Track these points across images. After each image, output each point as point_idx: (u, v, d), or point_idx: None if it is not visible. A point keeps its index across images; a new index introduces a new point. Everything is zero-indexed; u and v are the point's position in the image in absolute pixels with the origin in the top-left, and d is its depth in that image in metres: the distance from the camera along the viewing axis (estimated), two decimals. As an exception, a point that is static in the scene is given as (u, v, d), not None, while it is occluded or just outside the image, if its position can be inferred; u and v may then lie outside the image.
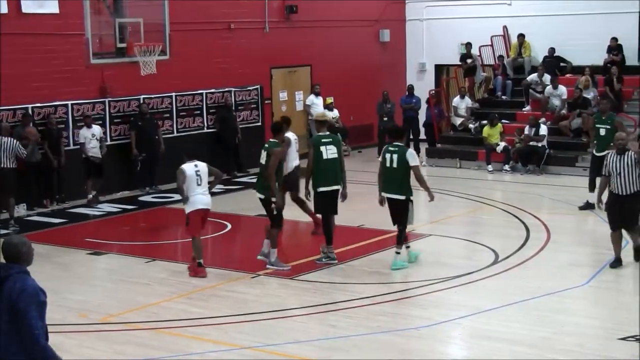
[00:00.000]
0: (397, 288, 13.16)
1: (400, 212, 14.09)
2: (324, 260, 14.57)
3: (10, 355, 6.91)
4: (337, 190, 14.58)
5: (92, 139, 20.03)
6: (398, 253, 14.22)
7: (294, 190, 16.37)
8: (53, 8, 20.32)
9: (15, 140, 17.78)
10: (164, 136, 21.75)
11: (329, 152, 14.50)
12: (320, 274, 13.96)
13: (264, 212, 14.58)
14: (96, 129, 20.23)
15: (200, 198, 14.00)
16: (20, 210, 19.12)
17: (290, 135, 16.06)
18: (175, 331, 11.50)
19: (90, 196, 19.89)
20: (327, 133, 14.85)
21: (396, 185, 14.03)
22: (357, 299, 12.57)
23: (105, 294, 13.24)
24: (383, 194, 14.20)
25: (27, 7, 19.85)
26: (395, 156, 14.00)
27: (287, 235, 16.36)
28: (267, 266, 14.28)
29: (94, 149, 20.05)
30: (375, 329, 11.29)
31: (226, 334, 11.37)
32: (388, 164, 14.06)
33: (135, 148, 21.12)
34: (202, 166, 14.12)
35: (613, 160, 13.72)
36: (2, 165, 17.39)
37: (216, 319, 11.96)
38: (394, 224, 14.33)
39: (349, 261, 14.74)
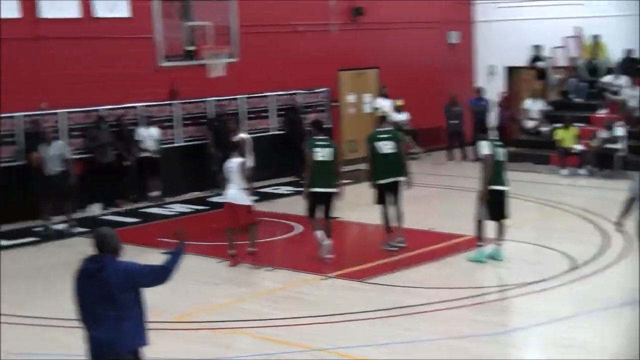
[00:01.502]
0: (470, 293, 12.99)
1: (503, 205, 14.38)
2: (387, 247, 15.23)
3: (118, 337, 7.53)
4: (396, 182, 15.09)
5: (149, 139, 20.25)
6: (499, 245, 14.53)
7: None
8: (124, 12, 20.58)
9: (62, 143, 18.06)
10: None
11: (386, 147, 15.05)
12: (391, 277, 13.87)
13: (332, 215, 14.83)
14: (154, 130, 20.43)
15: (226, 192, 14.74)
16: (95, 209, 19.42)
17: None
18: (246, 331, 11.55)
19: (151, 195, 20.32)
20: (385, 129, 15.43)
21: (503, 177, 14.37)
22: (430, 303, 12.41)
23: (178, 293, 13.29)
24: (492, 187, 14.30)
25: (98, 11, 20.10)
26: (501, 150, 14.47)
27: (356, 238, 16.33)
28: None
29: (150, 149, 20.27)
30: (448, 334, 11.20)
31: (297, 336, 11.38)
32: (498, 158, 14.39)
33: (213, 147, 21.26)
34: (234, 163, 14.69)
35: None
36: (52, 172, 17.56)
37: (286, 320, 11.98)
38: (494, 219, 14.45)
39: (421, 265, 14.65)
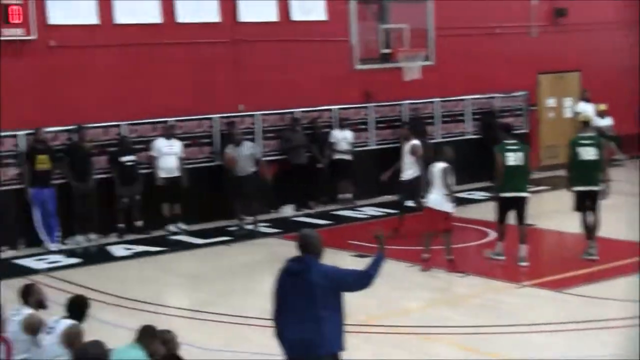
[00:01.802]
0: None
1: None
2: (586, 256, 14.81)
3: (317, 340, 7.61)
4: (593, 190, 14.67)
5: (342, 141, 20.33)
6: None
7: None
8: (320, 15, 20.77)
9: (252, 144, 18.36)
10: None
11: (587, 153, 14.66)
12: (590, 289, 13.37)
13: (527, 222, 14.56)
14: (348, 132, 20.50)
15: (428, 197, 14.70)
16: (288, 211, 19.68)
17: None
18: (437, 337, 11.41)
19: (343, 197, 20.42)
20: (587, 134, 15.07)
21: None
22: (631, 317, 11.69)
23: (367, 295, 13.24)
24: None
25: (295, 15, 20.38)
26: None
27: (554, 246, 15.91)
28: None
29: (343, 151, 20.35)
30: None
31: (489, 344, 11.14)
32: None
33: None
34: (437, 168, 14.58)
35: None
36: (244, 173, 17.87)
37: (478, 327, 11.75)
38: None
39: (622, 276, 14.00)
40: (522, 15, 24.23)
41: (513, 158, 14.65)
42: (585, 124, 15.62)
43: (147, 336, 7.68)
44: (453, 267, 14.47)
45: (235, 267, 15.59)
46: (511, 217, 14.86)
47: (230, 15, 19.56)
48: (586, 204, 14.92)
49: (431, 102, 22.43)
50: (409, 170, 17.34)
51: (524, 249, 14.68)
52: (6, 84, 16.65)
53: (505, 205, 14.74)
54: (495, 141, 22.57)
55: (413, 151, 17.27)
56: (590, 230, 15.01)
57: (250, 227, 18.07)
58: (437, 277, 14.44)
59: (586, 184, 14.75)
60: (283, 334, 7.82)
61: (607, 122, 24.47)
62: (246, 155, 17.95)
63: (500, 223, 14.96)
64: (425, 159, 17.11)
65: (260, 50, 19.82)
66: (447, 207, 14.50)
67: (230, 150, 17.95)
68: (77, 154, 17.18)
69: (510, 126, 16.32)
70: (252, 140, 19.05)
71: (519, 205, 14.62)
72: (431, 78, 21.21)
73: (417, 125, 21.40)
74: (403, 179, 17.42)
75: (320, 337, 7.62)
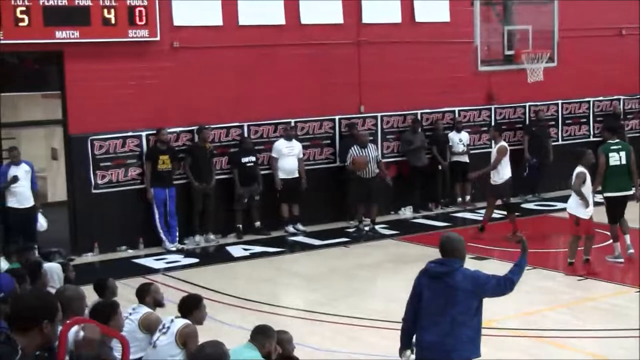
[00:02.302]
0: None
1: None
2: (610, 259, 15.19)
3: (455, 345, 7.61)
4: (626, 196, 15.06)
5: (459, 143, 20.27)
6: None
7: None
8: (444, 16, 20.75)
9: (374, 146, 18.46)
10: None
11: (613, 159, 15.20)
12: None
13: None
14: (464, 134, 20.44)
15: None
16: (406, 212, 19.73)
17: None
18: (555, 341, 11.33)
19: (461, 200, 20.45)
20: (617, 140, 15.68)
21: None
22: None
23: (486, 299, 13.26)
24: None
25: (419, 16, 20.41)
26: None
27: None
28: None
29: (460, 154, 20.32)
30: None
31: (608, 349, 11.07)
32: None
33: (527, 152, 21.15)
34: (574, 172, 14.50)
35: None
36: (369, 175, 17.95)
37: (596, 332, 11.63)
38: None
39: None
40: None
41: (615, 158, 15.13)
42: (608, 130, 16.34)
43: (262, 336, 7.68)
44: (581, 269, 14.40)
45: (353, 268, 15.68)
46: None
47: (354, 17, 19.67)
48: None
49: (555, 103, 22.19)
50: (500, 172, 17.36)
51: (627, 239, 15.15)
52: (131, 85, 17.14)
53: (613, 206, 15.13)
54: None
55: (498, 152, 17.31)
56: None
57: (368, 228, 18.15)
58: (554, 279, 14.30)
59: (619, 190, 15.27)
60: (419, 336, 7.78)
61: None
62: (373, 157, 18.07)
63: (612, 224, 15.20)
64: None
65: (382, 52, 19.89)
66: (579, 211, 14.39)
67: (356, 152, 18.04)
68: (199, 154, 17.49)
69: (614, 126, 16.73)
70: (372, 141, 19.16)
71: (624, 204, 15.02)
72: (554, 79, 20.92)
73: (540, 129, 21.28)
74: (493, 181, 17.44)
75: (457, 341, 7.60)
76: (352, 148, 18.16)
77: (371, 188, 17.97)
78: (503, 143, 17.96)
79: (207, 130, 17.59)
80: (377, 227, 18.29)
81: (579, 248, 14.73)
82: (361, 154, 17.96)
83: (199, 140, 17.60)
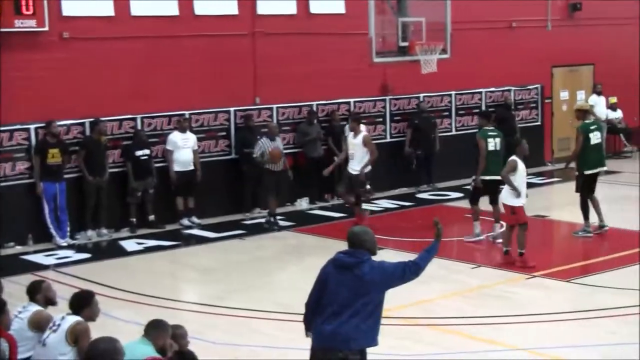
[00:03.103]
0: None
1: None
2: (580, 234, 15.96)
3: (354, 334, 7.57)
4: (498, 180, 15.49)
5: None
6: None
7: None
8: (339, 8, 20.82)
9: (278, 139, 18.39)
10: (442, 134, 21.82)
11: (595, 137, 16.02)
12: (599, 278, 13.51)
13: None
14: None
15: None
16: (303, 204, 19.74)
17: None
18: (450, 329, 11.47)
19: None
20: (593, 120, 16.84)
21: None
22: (638, 305, 11.95)
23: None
24: None
25: (314, 8, 20.43)
26: None
27: (565, 237, 16.03)
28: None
29: None
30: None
31: (501, 335, 11.23)
32: None
33: (408, 146, 21.29)
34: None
35: None
36: (279, 168, 17.86)
37: (491, 318, 11.82)
38: None
39: (630, 266, 14.14)
40: (538, 10, 24.24)
41: (493, 144, 15.96)
42: (586, 112, 16.67)
43: (155, 330, 7.57)
44: (522, 262, 14.38)
45: (250, 261, 15.62)
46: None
47: (248, 8, 19.55)
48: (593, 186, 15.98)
49: (448, 94, 22.47)
50: (361, 162, 17.40)
51: (497, 228, 16.06)
52: (18, 76, 16.68)
53: (484, 189, 15.94)
54: (511, 133, 22.83)
55: (367, 142, 17.46)
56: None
57: (270, 220, 18.07)
58: (448, 268, 14.48)
59: (597, 166, 16.13)
60: (318, 324, 7.70)
61: (617, 114, 25.11)
62: (281, 149, 18.04)
63: (475, 204, 16.21)
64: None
65: (278, 43, 19.85)
66: (511, 200, 14.55)
67: (267, 143, 17.83)
68: (93, 147, 17.17)
69: (489, 113, 17.71)
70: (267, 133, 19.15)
71: (495, 188, 15.62)
72: (448, 71, 21.17)
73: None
74: (354, 170, 17.50)
75: (356, 330, 7.57)
76: (262, 140, 18.04)
77: (280, 180, 17.88)
78: (366, 133, 17.93)
79: (103, 124, 17.29)
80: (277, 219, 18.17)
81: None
82: (270, 145, 17.83)
83: (93, 133, 17.28)
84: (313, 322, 7.80)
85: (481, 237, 16.15)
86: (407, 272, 7.78)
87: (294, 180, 18.63)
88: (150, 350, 7.44)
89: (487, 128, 16.39)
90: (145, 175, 17.73)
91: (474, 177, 16.13)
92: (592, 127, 16.27)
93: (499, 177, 15.27)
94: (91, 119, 17.30)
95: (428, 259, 7.94)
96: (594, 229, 16.07)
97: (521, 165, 14.56)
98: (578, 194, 16.14)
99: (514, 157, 14.66)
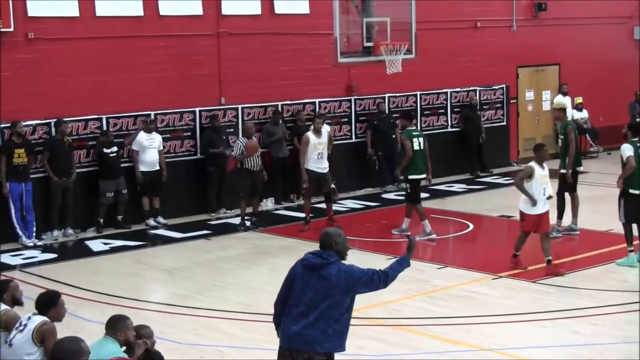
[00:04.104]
0: (645, 297, 12.56)
1: None
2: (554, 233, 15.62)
3: (320, 337, 7.55)
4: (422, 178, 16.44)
5: None
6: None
7: None
8: (303, 9, 20.83)
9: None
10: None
11: (416, 144, 16.42)
12: (564, 279, 13.58)
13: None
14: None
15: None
16: (268, 204, 19.72)
17: None
18: (416, 329, 11.51)
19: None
20: (415, 127, 17.47)
21: None
22: (603, 306, 12.13)
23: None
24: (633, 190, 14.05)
25: (278, 8, 20.44)
26: None
27: (530, 238, 16.03)
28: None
29: None
30: (622, 339, 10.84)
31: (467, 335, 11.27)
32: None
33: (370, 147, 21.35)
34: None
35: None
36: (256, 167, 17.74)
37: (456, 318, 11.87)
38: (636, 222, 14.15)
39: (596, 267, 14.28)
40: (503, 10, 24.38)
41: (417, 143, 16.36)
42: (565, 110, 16.94)
43: (116, 326, 7.61)
44: (550, 269, 13.96)
45: (215, 261, 15.59)
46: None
47: (213, 8, 19.53)
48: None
49: (413, 94, 22.53)
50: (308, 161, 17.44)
51: (406, 222, 16.57)
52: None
53: (415, 187, 16.47)
54: (476, 133, 22.97)
55: (302, 143, 17.68)
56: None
57: (251, 222, 17.93)
58: (413, 268, 14.48)
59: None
60: (285, 325, 7.69)
61: (583, 114, 25.21)
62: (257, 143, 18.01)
63: (417, 203, 16.51)
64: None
65: (243, 43, 19.84)
66: (524, 207, 14.05)
67: (244, 143, 17.66)
68: (57, 148, 17.08)
69: (411, 113, 18.49)
70: (234, 133, 19.12)
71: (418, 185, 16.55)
72: (413, 71, 21.23)
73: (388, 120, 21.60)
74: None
75: (322, 334, 7.55)
76: (239, 139, 18.01)
77: (257, 181, 17.81)
78: (306, 133, 17.88)
79: (65, 124, 17.19)
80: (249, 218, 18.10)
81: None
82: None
83: (57, 133, 17.19)
84: (281, 322, 7.80)
85: (433, 236, 16.23)
86: (375, 280, 7.70)
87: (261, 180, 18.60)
88: (115, 347, 7.48)
89: (410, 128, 16.74)
90: (116, 174, 17.66)
91: (401, 177, 16.88)
92: (414, 134, 16.67)
93: (424, 175, 16.31)
94: (55, 119, 17.20)
95: (398, 271, 7.89)
96: (563, 229, 16.13)
97: (539, 171, 13.94)
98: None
99: (531, 164, 14.15)
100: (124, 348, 7.65)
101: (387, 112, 21.84)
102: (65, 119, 17.26)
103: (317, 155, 17.34)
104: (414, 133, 16.61)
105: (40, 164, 17.06)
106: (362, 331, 11.36)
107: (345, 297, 7.61)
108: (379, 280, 7.72)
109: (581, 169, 16.62)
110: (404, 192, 17.20)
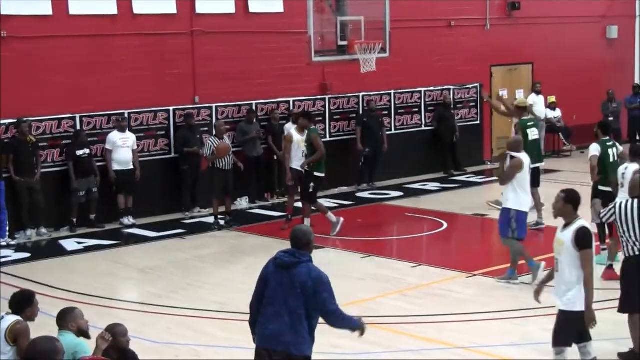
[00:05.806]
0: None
1: None
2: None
3: (296, 338, 7.56)
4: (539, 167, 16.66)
5: None
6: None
7: None
8: (278, 7, 20.83)
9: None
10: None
11: (532, 134, 16.55)
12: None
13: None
14: None
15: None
16: (243, 203, 19.70)
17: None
18: (391, 327, 11.53)
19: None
20: (530, 117, 17.56)
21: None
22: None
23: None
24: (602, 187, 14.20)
25: (253, 7, 20.42)
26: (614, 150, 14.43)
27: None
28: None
29: None
30: (596, 336, 10.89)
31: (441, 333, 11.33)
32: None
33: (360, 143, 21.38)
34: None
35: None
36: (228, 166, 17.75)
37: (431, 317, 11.91)
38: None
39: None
40: (477, 9, 24.48)
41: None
42: (525, 109, 17.39)
43: (65, 320, 7.77)
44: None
45: (190, 260, 15.57)
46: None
47: (187, 7, 19.49)
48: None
49: (387, 93, 22.58)
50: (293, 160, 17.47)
51: (308, 221, 16.33)
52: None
53: (317, 185, 16.87)
54: (450, 132, 23.03)
55: (286, 140, 17.84)
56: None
57: (225, 221, 17.92)
58: (388, 267, 14.57)
59: (536, 162, 15.99)
60: (261, 325, 7.68)
61: (556, 113, 25.40)
62: (229, 144, 17.96)
63: (315, 202, 16.95)
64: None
65: (217, 42, 19.80)
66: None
67: (215, 142, 17.61)
68: (20, 147, 16.94)
69: (310, 114, 18.24)
70: (208, 132, 19.09)
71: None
72: (387, 70, 21.29)
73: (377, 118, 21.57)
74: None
75: (297, 335, 7.55)
76: (210, 139, 17.95)
77: (229, 180, 17.78)
78: (289, 131, 18.04)
79: (25, 124, 17.00)
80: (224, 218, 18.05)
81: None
82: (217, 143, 17.68)
83: (18, 133, 17.06)
84: (257, 321, 7.80)
85: (340, 219, 16.65)
86: (334, 311, 7.64)
87: (233, 179, 18.58)
88: (72, 336, 7.66)
89: (314, 127, 17.17)
90: (88, 174, 17.58)
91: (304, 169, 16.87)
92: (529, 124, 16.73)
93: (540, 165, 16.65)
94: (22, 119, 17.06)
95: (345, 322, 7.86)
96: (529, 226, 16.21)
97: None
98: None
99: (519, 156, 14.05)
100: (81, 338, 7.75)
101: (376, 110, 21.85)
102: (33, 118, 17.18)
103: (301, 153, 17.28)
104: (320, 132, 17.12)
105: (4, 164, 16.93)
106: (336, 330, 11.38)
107: (309, 301, 7.55)
108: (336, 314, 7.66)
109: (541, 165, 17.13)
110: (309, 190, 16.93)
